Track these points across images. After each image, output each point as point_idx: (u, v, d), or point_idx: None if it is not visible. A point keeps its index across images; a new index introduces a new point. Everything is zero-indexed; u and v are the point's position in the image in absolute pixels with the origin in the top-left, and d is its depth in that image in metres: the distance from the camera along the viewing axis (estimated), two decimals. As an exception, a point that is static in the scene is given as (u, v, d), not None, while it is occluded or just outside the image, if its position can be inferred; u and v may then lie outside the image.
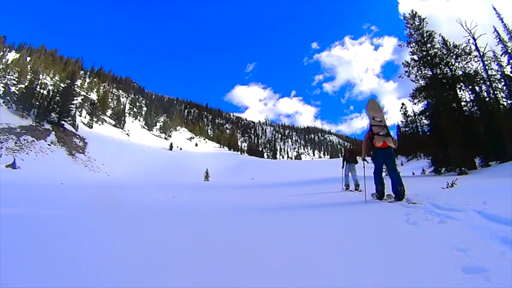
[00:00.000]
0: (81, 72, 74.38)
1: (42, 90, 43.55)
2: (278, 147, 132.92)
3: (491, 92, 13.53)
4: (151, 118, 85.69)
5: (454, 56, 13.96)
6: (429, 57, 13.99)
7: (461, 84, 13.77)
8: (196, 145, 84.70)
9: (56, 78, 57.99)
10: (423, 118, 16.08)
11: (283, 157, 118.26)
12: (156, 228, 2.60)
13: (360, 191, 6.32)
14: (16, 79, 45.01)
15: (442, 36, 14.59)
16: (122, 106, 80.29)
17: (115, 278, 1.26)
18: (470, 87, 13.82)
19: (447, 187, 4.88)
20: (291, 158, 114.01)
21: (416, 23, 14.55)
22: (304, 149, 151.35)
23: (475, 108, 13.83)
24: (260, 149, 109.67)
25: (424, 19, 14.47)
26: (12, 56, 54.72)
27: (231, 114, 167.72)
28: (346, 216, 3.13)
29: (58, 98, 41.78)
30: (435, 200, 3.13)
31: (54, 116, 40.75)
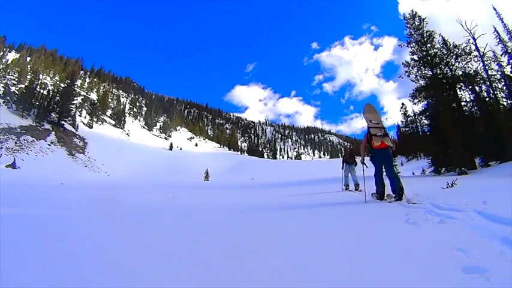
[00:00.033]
0: (81, 72, 74.37)
1: (42, 90, 43.54)
2: (278, 147, 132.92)
3: (491, 92, 13.53)
4: (151, 118, 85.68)
5: (454, 56, 13.97)
6: (429, 57, 13.99)
7: (461, 84, 13.78)
8: (196, 145, 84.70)
9: (56, 78, 57.98)
10: (423, 118, 16.09)
11: (283, 157, 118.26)
12: (156, 228, 2.60)
13: (360, 191, 6.34)
14: (16, 79, 45.01)
15: (442, 36, 14.61)
16: (122, 106, 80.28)
17: (115, 278, 1.26)
18: (470, 87, 13.82)
19: (447, 187, 4.88)
20: (291, 158, 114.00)
21: (416, 23, 14.55)
22: (304, 149, 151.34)
23: (475, 108, 13.84)
24: (260, 149, 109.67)
25: (424, 19, 14.47)
26: (12, 56, 54.71)
27: (231, 114, 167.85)
28: (346, 216, 3.13)
29: (58, 98, 41.77)
30: (435, 200, 3.13)
31: (54, 116, 40.74)
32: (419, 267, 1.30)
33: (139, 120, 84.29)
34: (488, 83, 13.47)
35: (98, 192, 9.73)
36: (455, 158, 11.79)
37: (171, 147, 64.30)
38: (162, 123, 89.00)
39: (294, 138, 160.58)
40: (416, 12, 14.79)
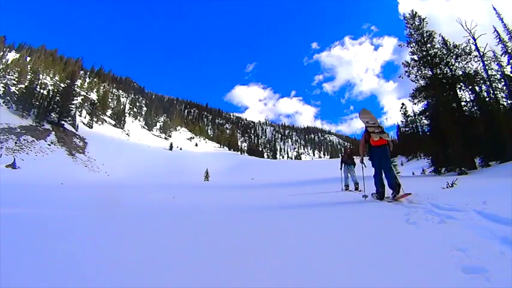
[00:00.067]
0: (81, 72, 74.36)
1: (42, 90, 43.54)
2: (278, 147, 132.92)
3: (491, 92, 13.53)
4: (151, 118, 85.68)
5: (454, 56, 13.97)
6: (429, 57, 13.99)
7: (461, 84, 13.77)
8: (196, 145, 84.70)
9: (56, 78, 57.98)
10: (423, 118, 16.09)
11: (283, 157, 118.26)
12: (156, 228, 2.60)
13: (360, 190, 6.35)
14: (16, 79, 45.00)
15: (442, 36, 14.61)
16: (122, 106, 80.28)
17: (115, 278, 1.26)
18: (470, 87, 13.82)
19: (447, 187, 4.89)
20: (291, 158, 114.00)
21: (416, 23, 14.55)
22: (304, 149, 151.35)
23: (475, 108, 13.84)
24: (260, 149, 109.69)
25: (424, 19, 14.47)
26: (12, 56, 54.70)
27: (231, 114, 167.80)
28: (346, 216, 3.13)
29: (58, 98, 41.76)
30: (435, 200, 3.13)
31: (54, 116, 40.74)
32: (419, 267, 1.30)
33: (139, 120, 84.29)
34: (488, 83, 13.48)
35: (98, 192, 9.74)
36: (455, 158, 11.79)
37: (171, 147, 64.31)
38: (162, 123, 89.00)
39: (294, 138, 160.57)
40: (416, 12, 14.79)
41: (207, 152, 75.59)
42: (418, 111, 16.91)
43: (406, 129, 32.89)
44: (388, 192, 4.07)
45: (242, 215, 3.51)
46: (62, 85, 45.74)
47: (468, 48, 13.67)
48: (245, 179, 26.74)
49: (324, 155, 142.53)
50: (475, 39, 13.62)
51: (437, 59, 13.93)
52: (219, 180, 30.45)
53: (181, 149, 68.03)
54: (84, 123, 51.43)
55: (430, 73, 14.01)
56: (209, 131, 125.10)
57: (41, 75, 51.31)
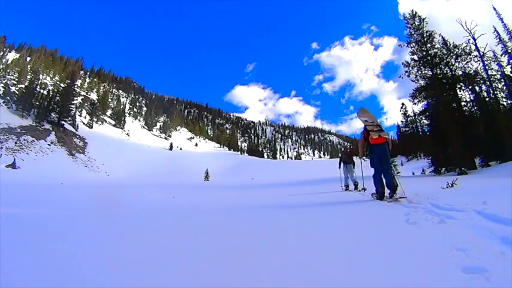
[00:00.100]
0: (81, 72, 74.35)
1: (42, 90, 43.53)
2: (278, 147, 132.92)
3: (491, 92, 13.53)
4: (151, 118, 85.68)
5: (454, 56, 13.96)
6: (429, 57, 13.99)
7: (461, 84, 13.77)
8: (196, 145, 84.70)
9: (56, 78, 57.97)
10: (423, 118, 16.07)
11: (283, 157, 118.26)
12: (156, 228, 2.60)
13: (359, 190, 6.36)
14: (16, 79, 44.99)
15: (442, 36, 14.60)
16: (122, 106, 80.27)
17: (115, 278, 1.26)
18: (470, 87, 13.82)
19: (447, 187, 4.88)
20: (291, 158, 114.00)
21: (416, 23, 14.55)
22: (304, 149, 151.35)
23: (475, 108, 13.83)
24: (260, 149, 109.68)
25: (424, 19, 14.47)
26: (12, 56, 54.70)
27: (231, 114, 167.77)
28: (346, 215, 3.14)
29: (58, 98, 41.76)
30: (435, 200, 3.13)
31: (54, 116, 40.74)
32: (419, 267, 1.30)
33: (139, 120, 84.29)
34: (488, 83, 13.47)
35: (98, 192, 9.74)
36: (455, 158, 11.78)
37: (171, 147, 64.30)
38: (162, 123, 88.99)
39: (294, 138, 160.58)
40: (416, 12, 14.79)
41: (207, 152, 75.58)
42: (418, 111, 16.91)
43: (406, 129, 32.88)
44: (388, 192, 4.08)
45: (242, 215, 3.51)
46: (62, 85, 45.73)
47: (468, 48, 13.67)
48: (245, 179, 26.74)
49: (324, 155, 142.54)
50: (475, 39, 13.61)
51: (437, 59, 13.93)
52: (219, 180, 30.45)
53: (181, 149, 68.03)
54: (84, 123, 51.43)
55: (430, 73, 14.00)
56: (209, 131, 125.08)
57: (41, 75, 51.31)
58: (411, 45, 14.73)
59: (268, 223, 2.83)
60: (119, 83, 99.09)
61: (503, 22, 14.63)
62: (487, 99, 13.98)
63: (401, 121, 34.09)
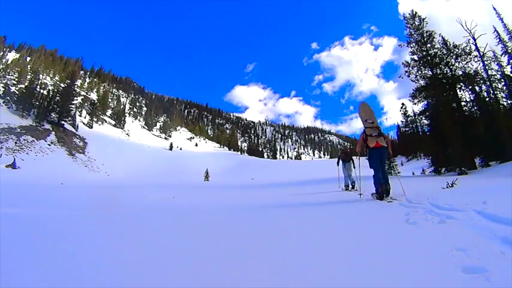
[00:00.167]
0: (81, 72, 74.31)
1: (42, 90, 43.50)
2: (278, 147, 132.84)
3: (491, 92, 13.52)
4: (151, 118, 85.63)
5: (454, 56, 13.95)
6: (429, 57, 13.98)
7: (461, 84, 13.76)
8: (196, 145, 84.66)
9: (56, 78, 57.94)
10: (423, 118, 16.05)
11: (283, 157, 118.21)
12: (156, 228, 2.60)
13: (356, 190, 6.39)
14: (16, 79, 44.96)
15: (442, 36, 14.59)
16: (122, 106, 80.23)
17: (115, 278, 1.26)
18: (470, 87, 13.81)
19: (447, 187, 4.89)
20: (291, 158, 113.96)
21: (416, 23, 14.54)
22: (304, 149, 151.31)
23: (475, 108, 13.82)
24: (260, 149, 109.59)
25: (424, 19, 14.46)
26: (12, 56, 54.67)
27: (231, 114, 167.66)
28: (346, 215, 3.14)
29: (58, 98, 41.71)
30: (435, 200, 3.13)
31: (54, 116, 40.70)
32: (419, 267, 1.30)
33: (139, 120, 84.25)
34: (488, 83, 13.46)
35: (98, 192, 9.74)
36: (455, 158, 11.77)
37: (171, 147, 64.27)
38: (162, 123, 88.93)
39: (294, 138, 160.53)
40: (416, 12, 14.78)
41: (207, 152, 75.55)
42: (418, 111, 16.86)
43: (406, 129, 32.75)
44: (390, 192, 4.10)
45: (242, 215, 3.51)
46: (62, 85, 45.69)
47: (468, 48, 13.66)
48: (245, 179, 26.73)
49: (324, 155, 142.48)
50: (475, 39, 13.61)
51: (437, 59, 13.92)
52: (219, 180, 30.44)
53: (181, 149, 68.00)
54: (84, 123, 51.39)
55: (430, 73, 14.00)
56: (209, 131, 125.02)
57: (41, 75, 51.28)
58: (411, 45, 14.72)
59: (269, 223, 2.83)
60: (119, 83, 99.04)
61: (503, 22, 14.63)
62: (487, 99, 13.96)
63: (401, 121, 33.95)
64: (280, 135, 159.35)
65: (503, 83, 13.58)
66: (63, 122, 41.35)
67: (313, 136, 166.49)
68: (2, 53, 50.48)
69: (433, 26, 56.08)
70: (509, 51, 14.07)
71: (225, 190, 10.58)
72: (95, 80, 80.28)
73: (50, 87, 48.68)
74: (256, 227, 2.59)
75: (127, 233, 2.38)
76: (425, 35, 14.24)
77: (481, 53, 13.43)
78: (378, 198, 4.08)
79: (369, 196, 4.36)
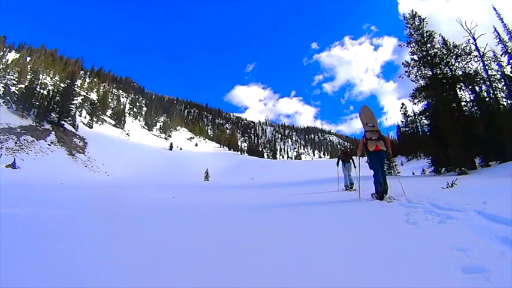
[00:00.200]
0: (81, 72, 74.29)
1: (42, 90, 43.49)
2: (278, 147, 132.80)
3: (491, 92, 13.51)
4: (151, 118, 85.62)
5: (454, 56, 13.95)
6: (429, 57, 13.98)
7: (461, 84, 13.76)
8: (196, 145, 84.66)
9: (56, 78, 57.93)
10: (423, 118, 16.05)
11: (283, 157, 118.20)
12: (156, 228, 2.60)
13: (355, 190, 6.42)
14: (16, 79, 44.96)
15: (442, 36, 14.58)
16: (122, 106, 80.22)
17: (115, 278, 1.26)
18: (470, 87, 13.80)
19: (447, 187, 4.89)
20: (291, 158, 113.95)
21: (416, 23, 14.54)
22: (304, 149, 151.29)
23: (475, 108, 13.82)
24: (260, 149, 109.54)
25: (424, 19, 14.46)
26: (12, 56, 54.66)
27: (231, 114, 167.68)
28: (346, 215, 3.14)
29: (58, 98, 41.71)
30: (435, 200, 3.13)
31: (54, 116, 40.69)
32: (419, 267, 1.30)
33: (139, 120, 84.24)
34: (488, 83, 13.46)
35: (98, 192, 9.74)
36: (455, 158, 11.77)
37: (171, 147, 64.27)
38: (162, 123, 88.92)
39: (294, 138, 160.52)
40: (416, 12, 14.78)
41: (207, 152, 75.55)
42: (418, 111, 16.87)
43: (406, 129, 32.77)
44: (388, 192, 4.12)
45: (242, 215, 3.51)
46: (62, 85, 45.68)
47: (468, 48, 13.65)
48: (245, 179, 26.72)
49: (324, 155, 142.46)
50: (475, 39, 13.60)
51: (437, 59, 13.92)
52: (219, 180, 30.44)
53: (181, 149, 68.00)
54: (84, 123, 51.38)
55: (430, 73, 13.99)
56: (209, 131, 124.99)
57: (41, 75, 51.27)
58: (411, 45, 14.71)
59: (269, 223, 2.83)
60: (119, 83, 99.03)
61: (503, 22, 14.62)
62: (487, 99, 13.96)
63: (401, 121, 33.97)
64: (280, 135, 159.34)
65: (503, 83, 13.57)
66: (63, 122, 41.35)
67: (313, 136, 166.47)
68: (2, 53, 50.47)
69: (433, 26, 56.11)
70: (509, 51, 14.06)
71: (225, 190, 10.58)
72: (95, 80, 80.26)
73: (50, 87, 48.67)
74: (256, 227, 2.58)
75: (127, 233, 2.37)
76: (425, 35, 14.23)
77: (481, 53, 13.43)
78: (377, 198, 4.09)
79: (369, 196, 4.37)
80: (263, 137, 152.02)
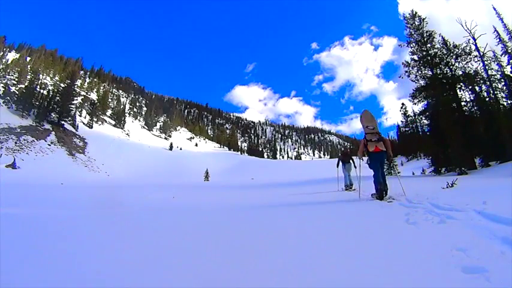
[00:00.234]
0: (81, 72, 74.29)
1: (42, 90, 43.50)
2: (278, 147, 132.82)
3: (491, 92, 13.51)
4: (151, 118, 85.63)
5: (454, 56, 13.95)
6: (429, 57, 13.98)
7: (461, 84, 13.76)
8: (196, 145, 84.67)
9: (56, 78, 57.94)
10: (423, 118, 16.04)
11: (283, 157, 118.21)
12: (156, 228, 2.60)
13: (355, 189, 6.43)
14: (16, 79, 44.96)
15: (442, 36, 14.58)
16: (122, 106, 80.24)
17: (115, 278, 1.26)
18: (470, 87, 13.80)
19: (447, 187, 4.89)
20: (291, 158, 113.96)
21: (416, 23, 14.54)
22: (304, 149, 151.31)
23: (475, 108, 13.82)
24: (260, 149, 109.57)
25: (424, 19, 14.46)
26: (12, 56, 54.66)
27: (231, 114, 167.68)
28: (346, 215, 3.14)
29: (58, 98, 41.71)
30: (435, 200, 3.13)
31: (54, 116, 40.70)
32: (419, 267, 1.30)
33: (139, 120, 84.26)
34: (488, 83, 13.46)
35: (98, 192, 9.74)
36: (455, 158, 11.77)
37: (171, 147, 64.27)
38: (162, 123, 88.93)
39: (294, 138, 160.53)
40: (416, 12, 14.78)
41: (207, 152, 75.56)
42: (418, 111, 16.86)
43: (406, 129, 32.74)
44: (387, 192, 4.13)
45: (242, 214, 3.51)
46: (62, 85, 45.69)
47: (468, 48, 13.65)
48: (245, 179, 26.73)
49: (324, 155, 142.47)
50: (475, 39, 13.60)
51: (437, 59, 13.92)
52: (219, 180, 30.44)
53: (181, 149, 68.01)
54: (84, 123, 51.39)
55: (430, 73, 13.99)
56: (209, 131, 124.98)
57: (41, 75, 51.27)
58: (411, 45, 14.71)
59: (269, 223, 2.83)
60: (119, 83, 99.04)
61: (503, 22, 14.62)
62: (487, 99, 13.96)
63: (401, 121, 33.95)
64: (280, 135, 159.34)
65: (503, 83, 13.57)
66: (63, 122, 41.35)
67: (313, 136, 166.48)
68: (2, 53, 50.47)
69: (433, 26, 56.07)
70: (509, 51, 14.06)
71: (225, 190, 10.58)
72: (95, 80, 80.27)
73: (50, 87, 48.68)
74: (256, 227, 2.58)
75: (127, 233, 2.38)
76: (425, 35, 14.23)
77: (481, 53, 13.43)
78: (377, 198, 4.10)
79: (369, 196, 4.38)
80: (263, 137, 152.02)
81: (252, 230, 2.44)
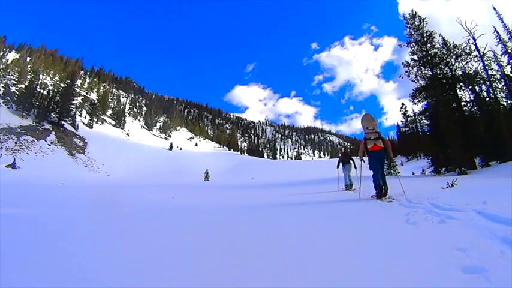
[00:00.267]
0: (81, 72, 74.28)
1: (42, 90, 43.49)
2: (278, 147, 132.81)
3: (491, 92, 13.52)
4: (151, 118, 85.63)
5: (454, 56, 13.95)
6: (429, 57, 13.98)
7: (461, 84, 13.76)
8: (196, 145, 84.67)
9: (56, 78, 57.94)
10: (423, 118, 16.05)
11: (283, 157, 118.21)
12: (156, 228, 2.60)
13: (354, 189, 6.44)
14: (16, 79, 44.96)
15: (442, 36, 14.59)
16: (122, 106, 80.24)
17: (115, 278, 1.26)
18: (470, 87, 13.80)
19: (447, 187, 4.89)
20: (291, 158, 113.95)
21: (416, 23, 14.55)
22: (304, 149, 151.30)
23: (475, 108, 13.82)
24: (260, 149, 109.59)
25: (424, 19, 14.46)
26: (12, 56, 54.66)
27: (231, 114, 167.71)
28: (346, 215, 3.14)
29: (58, 98, 41.71)
30: (435, 200, 3.13)
31: (54, 116, 40.70)
32: (419, 267, 1.30)
33: (139, 120, 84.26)
34: (488, 83, 13.46)
35: (98, 192, 9.74)
36: (455, 158, 11.77)
37: (171, 147, 64.27)
38: (162, 123, 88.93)
39: (294, 138, 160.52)
40: (416, 12, 14.79)
41: (207, 152, 75.56)
42: (418, 111, 16.85)
43: (406, 129, 32.71)
44: (387, 192, 4.14)
45: (242, 214, 3.51)
46: (62, 85, 45.68)
47: (468, 48, 13.65)
48: (245, 179, 26.73)
49: (324, 155, 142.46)
50: (475, 39, 13.61)
51: (437, 59, 13.92)
52: (219, 180, 30.44)
53: (181, 149, 68.00)
54: (84, 123, 51.38)
55: (430, 73, 14.00)
56: (209, 131, 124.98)
57: (41, 75, 51.27)
58: (411, 45, 14.72)
59: (269, 222, 2.83)
60: (119, 83, 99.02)
61: (503, 22, 14.62)
62: (487, 99, 13.96)
63: (401, 121, 33.89)
64: (280, 135, 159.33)
65: (503, 83, 13.57)
66: (63, 122, 41.35)
67: (313, 136, 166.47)
68: (2, 53, 50.47)
69: (433, 26, 56.13)
70: (509, 51, 14.06)
71: (225, 190, 10.58)
72: (95, 80, 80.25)
73: (50, 87, 48.68)
74: (256, 227, 2.58)
75: (127, 233, 2.37)
76: (425, 35, 14.24)
77: (481, 53, 13.43)
78: (377, 198, 4.10)
79: (369, 196, 4.39)
80: (263, 137, 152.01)
81: (252, 230, 2.44)
